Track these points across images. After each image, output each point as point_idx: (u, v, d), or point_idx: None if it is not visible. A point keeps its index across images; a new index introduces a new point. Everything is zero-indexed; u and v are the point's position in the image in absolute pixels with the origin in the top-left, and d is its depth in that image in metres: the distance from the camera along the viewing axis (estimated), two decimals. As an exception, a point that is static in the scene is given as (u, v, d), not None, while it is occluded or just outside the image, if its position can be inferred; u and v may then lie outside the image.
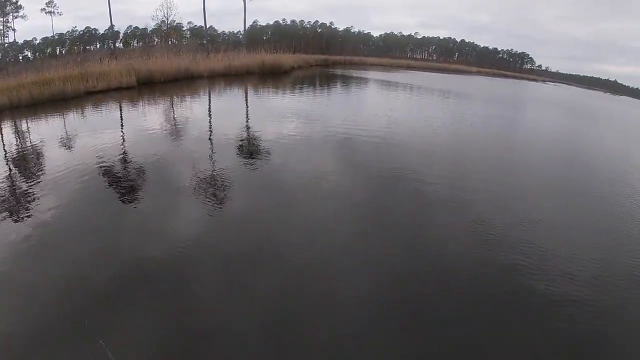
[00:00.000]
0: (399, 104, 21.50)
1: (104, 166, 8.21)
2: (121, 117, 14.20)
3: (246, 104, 18.38)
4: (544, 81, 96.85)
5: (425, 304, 4.33)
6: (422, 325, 4.02)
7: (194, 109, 16.22)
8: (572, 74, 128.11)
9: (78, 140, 10.52)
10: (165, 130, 11.81)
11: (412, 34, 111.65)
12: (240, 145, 10.21)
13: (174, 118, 14.03)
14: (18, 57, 62.22)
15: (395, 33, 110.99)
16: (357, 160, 9.40)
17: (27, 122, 13.48)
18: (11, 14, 44.70)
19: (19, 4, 45.12)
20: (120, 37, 75.74)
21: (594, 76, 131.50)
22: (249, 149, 10.07)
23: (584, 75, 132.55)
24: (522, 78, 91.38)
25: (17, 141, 10.54)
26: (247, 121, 14.07)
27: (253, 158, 9.21)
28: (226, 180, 7.74)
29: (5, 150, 9.48)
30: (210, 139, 11.10)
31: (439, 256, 5.28)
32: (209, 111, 16.00)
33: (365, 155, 9.75)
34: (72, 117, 14.18)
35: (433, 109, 20.44)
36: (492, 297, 4.51)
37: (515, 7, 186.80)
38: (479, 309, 4.28)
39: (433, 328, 3.99)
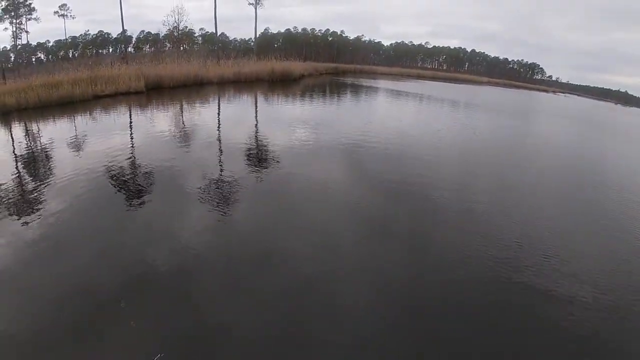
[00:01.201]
0: (409, 114, 21.08)
1: (107, 170, 7.93)
2: (126, 122, 13.95)
3: (252, 111, 17.99)
4: (554, 92, 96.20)
5: (429, 312, 4.28)
6: (426, 332, 3.98)
7: (199, 115, 15.90)
8: (582, 85, 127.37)
9: (80, 144, 10.25)
10: (169, 136, 11.51)
11: (423, 43, 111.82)
12: (243, 154, 9.84)
13: (178, 124, 13.73)
14: (31, 58, 63.12)
15: (406, 42, 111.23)
16: (365, 170, 9.12)
17: (32, 124, 13.30)
18: (24, 16, 45.23)
19: (32, 6, 45.65)
20: (133, 42, 76.69)
21: (604, 87, 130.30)
22: (253, 157, 9.70)
23: (594, 86, 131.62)
24: (533, 89, 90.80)
25: (20, 143, 10.30)
26: (250, 129, 13.65)
27: (258, 166, 8.85)
28: (232, 187, 7.51)
29: (8, 151, 9.27)
30: (212, 146, 10.75)
31: (445, 265, 5.20)
32: (214, 118, 15.70)
33: (373, 166, 9.44)
34: (78, 121, 13.95)
35: (443, 119, 19.91)
36: (498, 306, 4.45)
37: (524, 16, 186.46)
38: (484, 319, 4.22)
39: (436, 335, 3.94)
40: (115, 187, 7.27)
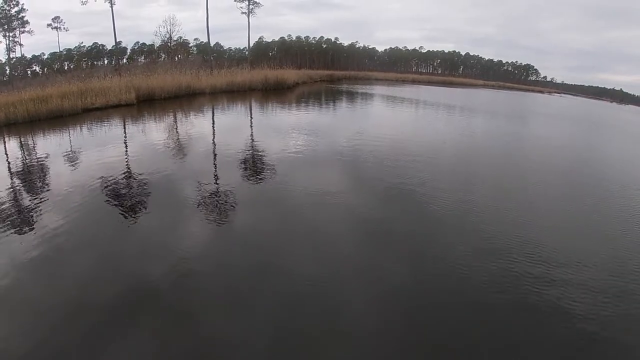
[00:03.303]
0: (404, 122, 20.89)
1: (92, 185, 7.78)
2: (115, 135, 13.66)
3: (239, 121, 17.70)
4: (549, 92, 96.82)
5: (431, 317, 4.25)
6: (429, 337, 3.96)
7: (188, 127, 15.64)
8: (577, 85, 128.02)
9: (63, 160, 10.06)
10: (157, 148, 11.32)
11: (417, 48, 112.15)
12: (226, 168, 9.62)
13: (166, 136, 13.55)
14: (26, 71, 63.11)
15: (400, 47, 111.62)
16: (362, 179, 9.01)
17: (20, 140, 13.20)
18: (17, 29, 45.21)
19: (25, 19, 45.64)
20: (128, 53, 76.79)
21: (599, 86, 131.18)
22: (236, 172, 9.49)
23: (589, 85, 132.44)
24: (528, 90, 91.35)
25: (6, 159, 10.18)
26: (234, 140, 13.05)
27: (247, 179, 8.65)
28: (227, 196, 7.55)
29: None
30: (196, 156, 10.62)
31: (445, 269, 5.15)
32: (202, 129, 15.52)
33: (370, 174, 9.34)
34: (65, 136, 13.80)
35: (440, 126, 19.81)
36: (500, 309, 4.41)
37: (518, 18, 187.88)
38: (487, 323, 4.17)
39: (439, 340, 3.91)
40: (104, 202, 7.17)
